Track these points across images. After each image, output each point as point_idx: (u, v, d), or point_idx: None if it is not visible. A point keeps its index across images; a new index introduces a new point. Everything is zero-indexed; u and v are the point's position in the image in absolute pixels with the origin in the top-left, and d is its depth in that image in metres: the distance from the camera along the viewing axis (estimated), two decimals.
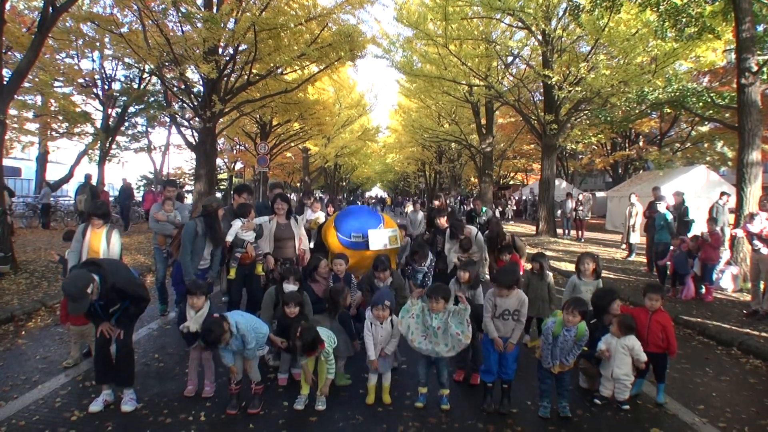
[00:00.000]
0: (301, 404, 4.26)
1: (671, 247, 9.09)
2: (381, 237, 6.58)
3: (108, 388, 4.25)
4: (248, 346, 4.11)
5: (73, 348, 5.18)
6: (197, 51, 13.44)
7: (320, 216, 8.01)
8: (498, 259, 6.71)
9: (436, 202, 9.07)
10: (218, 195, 27.98)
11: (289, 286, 4.74)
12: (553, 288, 5.81)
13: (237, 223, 5.78)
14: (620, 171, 29.52)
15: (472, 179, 37.63)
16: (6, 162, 24.56)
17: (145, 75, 19.86)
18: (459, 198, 34.42)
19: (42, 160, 21.88)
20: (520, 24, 17.15)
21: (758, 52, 9.45)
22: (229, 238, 5.71)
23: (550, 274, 6.06)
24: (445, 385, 4.32)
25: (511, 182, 44.70)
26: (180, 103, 18.16)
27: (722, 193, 10.86)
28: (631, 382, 4.42)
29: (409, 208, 9.30)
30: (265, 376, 4.82)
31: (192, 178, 28.68)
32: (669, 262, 8.89)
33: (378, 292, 4.90)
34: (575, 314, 4.13)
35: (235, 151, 35.16)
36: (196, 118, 15.94)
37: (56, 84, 17.46)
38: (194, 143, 16.30)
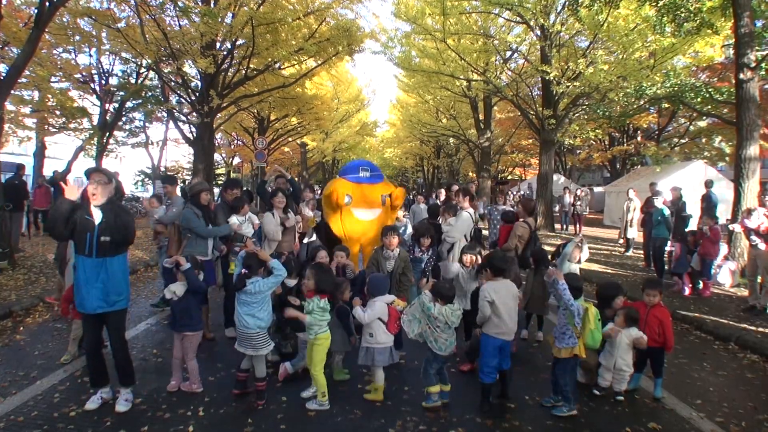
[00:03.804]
0: (308, 393, 4.33)
1: (668, 244, 9.11)
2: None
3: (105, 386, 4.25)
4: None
5: (71, 343, 5.17)
6: (195, 46, 13.38)
7: (317, 214, 7.99)
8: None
9: (442, 197, 8.55)
10: (216, 190, 27.93)
11: (290, 281, 4.76)
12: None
13: (232, 219, 5.83)
14: (618, 166, 29.52)
15: (471, 174, 37.59)
16: (3, 158, 24.35)
17: (143, 70, 19.73)
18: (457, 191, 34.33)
19: (39, 155, 21.80)
20: (518, 19, 17.12)
21: (757, 48, 9.45)
22: (235, 220, 5.87)
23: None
24: (446, 382, 4.33)
25: (510, 177, 44.68)
26: (177, 98, 18.09)
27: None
28: (630, 374, 4.48)
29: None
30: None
31: (190, 172, 28.65)
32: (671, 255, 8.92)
33: (374, 282, 4.64)
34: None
35: (232, 146, 35.12)
36: (194, 113, 15.89)
37: (53, 79, 17.35)
38: (192, 138, 16.26)
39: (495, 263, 4.40)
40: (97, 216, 3.95)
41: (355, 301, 4.46)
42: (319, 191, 14.92)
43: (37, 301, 7.18)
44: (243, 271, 4.32)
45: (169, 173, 29.94)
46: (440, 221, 6.91)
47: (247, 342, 4.24)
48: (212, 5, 13.41)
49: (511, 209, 8.79)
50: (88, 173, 4.04)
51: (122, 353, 4.20)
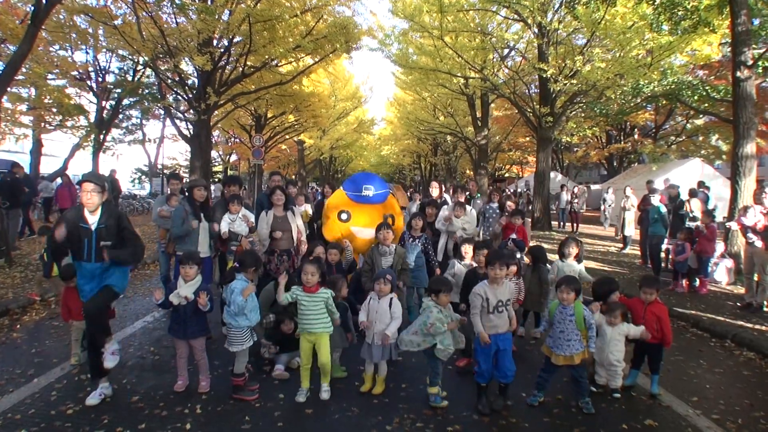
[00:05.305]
0: (302, 397, 4.27)
1: (665, 242, 9.12)
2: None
3: (105, 381, 4.25)
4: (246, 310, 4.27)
5: (74, 345, 5.05)
6: (192, 43, 13.35)
7: (307, 208, 8.00)
8: (509, 222, 7.13)
9: (435, 192, 8.49)
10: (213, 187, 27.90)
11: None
12: (546, 282, 5.74)
13: (224, 218, 5.85)
14: (615, 164, 29.56)
15: (468, 171, 37.60)
16: (1, 155, 24.14)
17: (140, 67, 19.70)
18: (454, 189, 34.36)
19: (36, 153, 21.74)
20: (516, 16, 17.11)
21: (754, 46, 9.46)
22: (224, 228, 5.82)
23: (548, 267, 5.97)
24: (431, 383, 4.27)
25: (507, 175, 44.73)
26: (174, 96, 18.05)
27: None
28: (623, 369, 4.50)
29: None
30: (261, 368, 4.84)
31: (187, 170, 28.59)
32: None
33: (380, 270, 4.99)
34: (569, 292, 4.17)
35: (230, 144, 35.07)
36: (191, 111, 15.86)
37: (50, 76, 17.28)
38: (189, 135, 16.23)
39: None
40: (93, 222, 4.02)
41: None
42: (318, 189, 14.95)
43: (34, 299, 7.16)
44: (235, 265, 4.32)
45: (166, 171, 29.88)
46: (446, 221, 6.90)
47: (228, 335, 4.38)
48: (209, 2, 13.36)
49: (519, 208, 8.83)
50: (81, 182, 4.06)
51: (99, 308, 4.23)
